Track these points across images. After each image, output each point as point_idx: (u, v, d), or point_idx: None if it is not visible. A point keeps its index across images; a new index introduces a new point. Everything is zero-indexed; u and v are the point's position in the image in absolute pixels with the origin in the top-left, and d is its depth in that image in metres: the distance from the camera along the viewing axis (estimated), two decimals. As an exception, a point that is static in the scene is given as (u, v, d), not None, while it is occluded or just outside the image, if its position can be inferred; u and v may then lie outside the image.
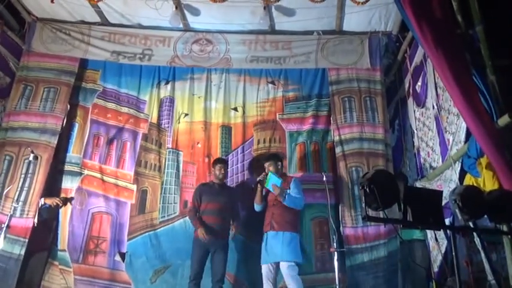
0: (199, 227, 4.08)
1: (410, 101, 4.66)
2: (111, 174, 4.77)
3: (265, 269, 3.99)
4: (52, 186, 4.61)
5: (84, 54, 5.05)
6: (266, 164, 4.29)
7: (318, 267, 4.43)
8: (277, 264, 3.97)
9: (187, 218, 4.48)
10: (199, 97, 5.08)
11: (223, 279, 4.08)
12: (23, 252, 4.16)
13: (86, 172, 4.74)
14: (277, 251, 3.93)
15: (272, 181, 4.04)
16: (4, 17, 4.82)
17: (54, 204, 4.36)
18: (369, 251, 4.26)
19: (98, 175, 4.74)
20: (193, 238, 4.21)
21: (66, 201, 4.52)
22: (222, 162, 4.52)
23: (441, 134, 3.72)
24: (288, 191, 4.08)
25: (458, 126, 3.34)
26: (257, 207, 4.27)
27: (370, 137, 4.69)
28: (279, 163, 4.33)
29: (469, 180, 3.10)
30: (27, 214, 4.31)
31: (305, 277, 4.10)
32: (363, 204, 2.20)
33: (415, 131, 4.46)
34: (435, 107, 3.83)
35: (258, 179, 4.21)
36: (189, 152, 4.90)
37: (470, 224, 2.59)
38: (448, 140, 3.55)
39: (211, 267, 4.13)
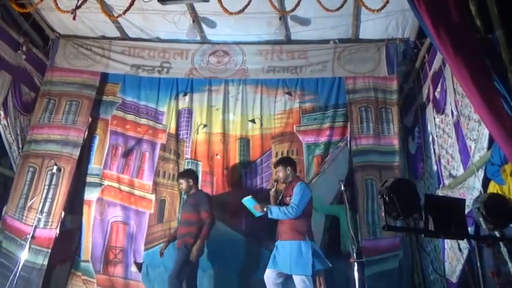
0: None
1: (429, 108, 4.57)
2: (128, 184, 4.85)
3: (271, 273, 3.80)
4: (75, 198, 4.72)
5: (105, 68, 5.20)
6: (275, 170, 4.18)
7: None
8: (285, 274, 3.81)
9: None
10: (217, 109, 5.13)
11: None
12: (45, 263, 4.26)
13: (105, 183, 4.84)
14: (286, 262, 3.73)
15: (250, 204, 3.93)
16: (29, 34, 5.02)
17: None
18: (383, 262, 4.23)
19: (116, 185, 4.84)
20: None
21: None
22: (184, 175, 4.44)
23: (461, 140, 3.63)
24: (270, 206, 3.89)
25: (480, 133, 3.26)
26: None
27: (385, 150, 4.63)
28: (288, 168, 4.07)
29: (493, 188, 3.00)
30: (51, 225, 4.42)
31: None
32: (383, 214, 2.16)
33: (435, 138, 4.37)
34: (454, 113, 3.75)
35: (268, 187, 4.18)
36: (207, 163, 4.93)
37: (496, 234, 2.50)
38: (470, 147, 3.46)
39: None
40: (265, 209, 3.86)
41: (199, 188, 4.48)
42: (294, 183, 3.99)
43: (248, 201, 3.95)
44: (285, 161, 4.20)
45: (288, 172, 4.06)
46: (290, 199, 3.86)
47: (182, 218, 4.32)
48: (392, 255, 4.24)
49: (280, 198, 4.13)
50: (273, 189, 4.09)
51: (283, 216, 3.82)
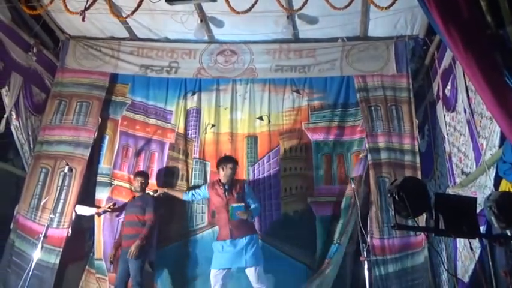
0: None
1: (439, 106, 4.53)
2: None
3: (214, 274, 3.98)
4: (86, 198, 4.76)
5: (114, 69, 5.23)
6: (219, 168, 4.31)
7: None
8: (229, 270, 4.02)
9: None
10: (225, 108, 5.14)
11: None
12: (58, 262, 4.32)
13: (115, 182, 4.87)
14: (241, 257, 3.94)
15: (236, 210, 4.01)
16: (40, 36, 5.08)
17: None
18: (395, 262, 4.19)
19: (127, 185, 4.86)
20: None
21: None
22: (141, 174, 4.59)
23: (474, 138, 3.59)
24: (250, 204, 4.18)
25: (491, 131, 3.22)
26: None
27: (397, 148, 4.59)
28: (229, 165, 4.28)
29: (505, 186, 2.97)
30: (63, 225, 4.47)
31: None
32: (392, 212, 2.14)
33: (446, 136, 4.32)
34: (467, 111, 3.70)
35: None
36: (216, 163, 4.94)
37: (508, 232, 2.47)
38: (482, 144, 3.42)
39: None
40: (250, 215, 4.13)
41: (147, 191, 4.58)
42: (240, 183, 4.33)
43: (236, 207, 4.04)
44: (228, 160, 4.39)
45: (230, 172, 4.27)
46: (237, 197, 4.15)
47: (127, 219, 4.40)
48: (409, 255, 4.19)
49: (226, 194, 4.22)
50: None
51: (258, 214, 4.33)
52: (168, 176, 4.89)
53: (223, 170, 4.26)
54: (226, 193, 4.21)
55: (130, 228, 4.30)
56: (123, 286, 4.16)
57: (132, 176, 4.82)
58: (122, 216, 4.66)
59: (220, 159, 4.45)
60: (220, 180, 4.29)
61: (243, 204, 4.09)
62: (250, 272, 3.96)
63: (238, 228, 4.04)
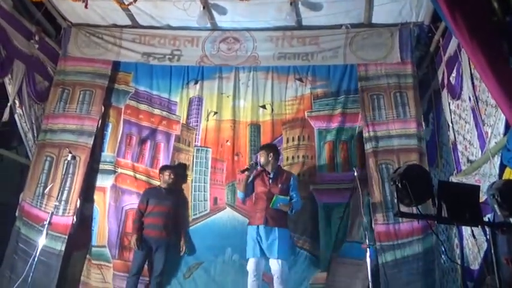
0: (134, 234, 4.33)
1: (444, 94, 4.50)
2: (143, 172, 4.90)
3: (255, 262, 3.96)
4: (88, 185, 4.79)
5: (116, 56, 5.21)
6: (258, 154, 4.32)
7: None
8: (267, 259, 4.01)
9: (218, 214, 4.58)
10: (227, 96, 5.12)
11: (163, 275, 4.34)
12: (63, 248, 4.37)
13: (119, 170, 4.89)
14: (273, 247, 3.94)
15: (279, 202, 4.04)
16: (42, 23, 5.05)
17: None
18: (402, 248, 4.16)
19: (131, 173, 4.89)
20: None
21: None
22: (171, 168, 4.67)
23: (479, 126, 3.57)
24: (293, 197, 4.13)
25: (496, 118, 3.20)
26: (240, 194, 4.34)
27: (401, 133, 4.55)
28: (271, 154, 4.23)
29: (509, 174, 2.96)
30: (68, 212, 4.51)
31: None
32: (395, 200, 2.15)
33: (451, 124, 4.30)
34: (472, 98, 3.67)
35: (245, 167, 4.26)
36: (218, 150, 4.96)
37: (511, 220, 2.47)
38: (487, 132, 3.41)
39: (151, 263, 4.38)
40: (292, 208, 4.09)
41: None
42: (287, 174, 4.23)
43: (280, 198, 4.05)
44: (270, 147, 4.36)
45: (270, 158, 4.21)
46: (281, 187, 4.10)
47: (156, 210, 4.43)
48: (415, 240, 4.14)
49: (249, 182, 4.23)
50: (247, 172, 4.20)
51: (298, 209, 4.16)
52: (180, 168, 4.90)
53: (268, 158, 4.22)
54: (271, 181, 4.20)
55: (159, 219, 4.38)
56: (139, 273, 4.29)
57: (136, 164, 4.86)
58: (127, 204, 4.70)
59: (262, 146, 4.44)
60: (265, 169, 4.25)
61: (288, 197, 4.10)
62: (274, 264, 3.94)
63: (274, 218, 4.03)
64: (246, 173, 4.19)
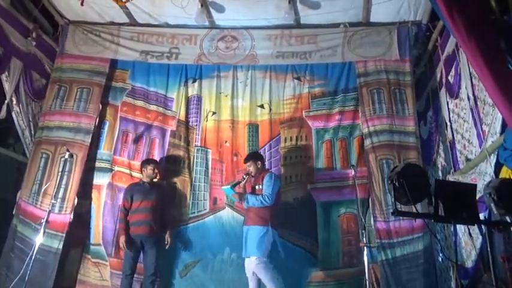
0: (122, 235, 4.26)
1: (442, 92, 4.50)
2: (139, 170, 4.87)
3: (246, 262, 4.05)
4: (85, 183, 4.77)
5: (114, 54, 5.19)
6: (246, 165, 4.37)
7: (345, 262, 4.43)
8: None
9: (217, 214, 4.61)
10: (226, 95, 5.12)
11: (157, 272, 4.25)
12: (61, 246, 4.35)
13: (116, 168, 4.88)
14: (245, 247, 4.02)
15: (229, 193, 4.27)
16: (39, 21, 5.03)
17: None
18: (402, 245, 4.17)
19: (127, 171, 4.88)
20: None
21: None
22: (154, 162, 4.63)
23: (477, 125, 3.58)
24: (247, 195, 4.16)
25: (493, 117, 3.20)
26: (227, 189, 4.38)
27: (401, 130, 4.57)
28: (259, 162, 4.34)
29: (505, 173, 2.97)
30: (65, 210, 4.50)
31: (332, 272, 4.29)
32: (393, 199, 2.16)
33: (449, 123, 4.31)
34: (471, 97, 3.68)
35: (237, 181, 4.39)
36: (217, 150, 4.95)
37: (507, 219, 2.48)
38: (485, 131, 3.42)
39: (144, 262, 4.33)
40: (243, 198, 4.18)
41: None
42: (264, 173, 4.28)
43: (227, 190, 4.27)
44: (256, 157, 4.45)
45: (259, 166, 4.34)
46: (260, 187, 4.16)
47: (140, 206, 4.36)
48: (415, 238, 4.16)
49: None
50: (242, 182, 4.32)
51: (258, 204, 4.07)
52: (170, 163, 4.90)
53: (257, 166, 4.34)
54: (252, 182, 4.31)
55: (143, 215, 4.32)
56: (133, 272, 4.24)
57: (132, 162, 4.84)
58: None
59: (248, 157, 4.46)
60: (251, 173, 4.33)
61: (229, 186, 4.26)
62: (247, 263, 4.01)
63: (251, 218, 4.10)
64: (241, 183, 4.34)
